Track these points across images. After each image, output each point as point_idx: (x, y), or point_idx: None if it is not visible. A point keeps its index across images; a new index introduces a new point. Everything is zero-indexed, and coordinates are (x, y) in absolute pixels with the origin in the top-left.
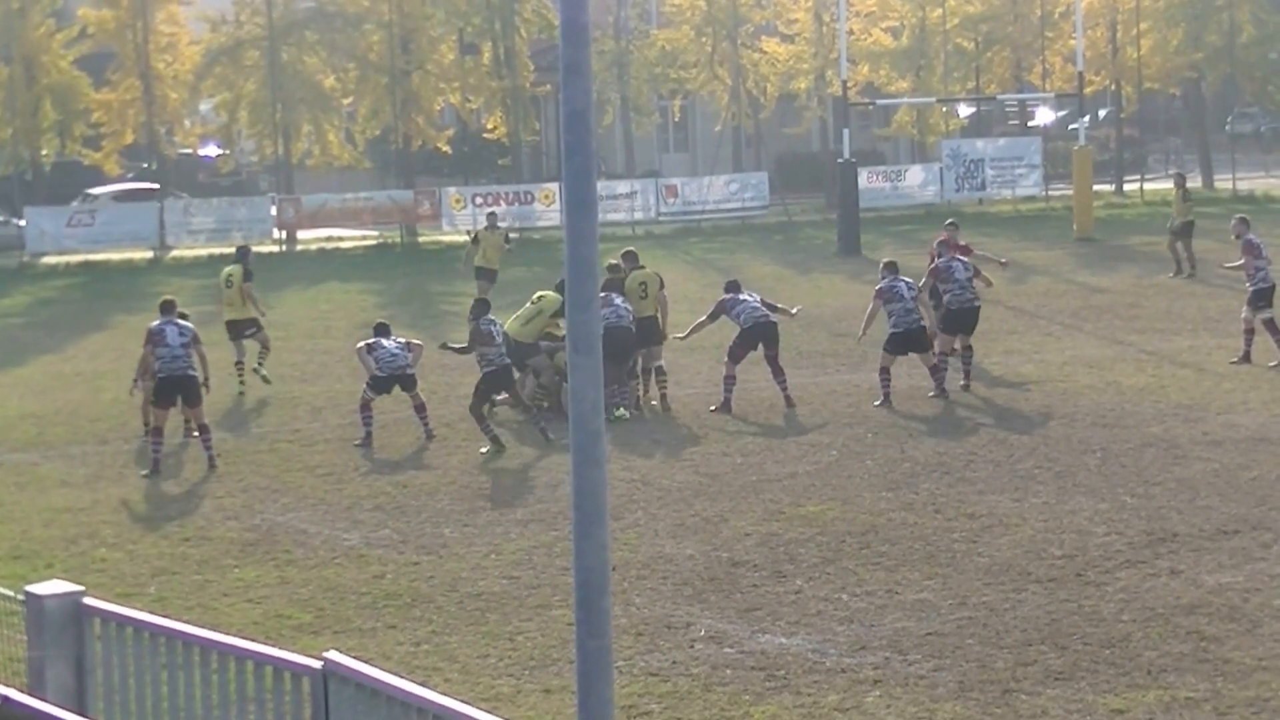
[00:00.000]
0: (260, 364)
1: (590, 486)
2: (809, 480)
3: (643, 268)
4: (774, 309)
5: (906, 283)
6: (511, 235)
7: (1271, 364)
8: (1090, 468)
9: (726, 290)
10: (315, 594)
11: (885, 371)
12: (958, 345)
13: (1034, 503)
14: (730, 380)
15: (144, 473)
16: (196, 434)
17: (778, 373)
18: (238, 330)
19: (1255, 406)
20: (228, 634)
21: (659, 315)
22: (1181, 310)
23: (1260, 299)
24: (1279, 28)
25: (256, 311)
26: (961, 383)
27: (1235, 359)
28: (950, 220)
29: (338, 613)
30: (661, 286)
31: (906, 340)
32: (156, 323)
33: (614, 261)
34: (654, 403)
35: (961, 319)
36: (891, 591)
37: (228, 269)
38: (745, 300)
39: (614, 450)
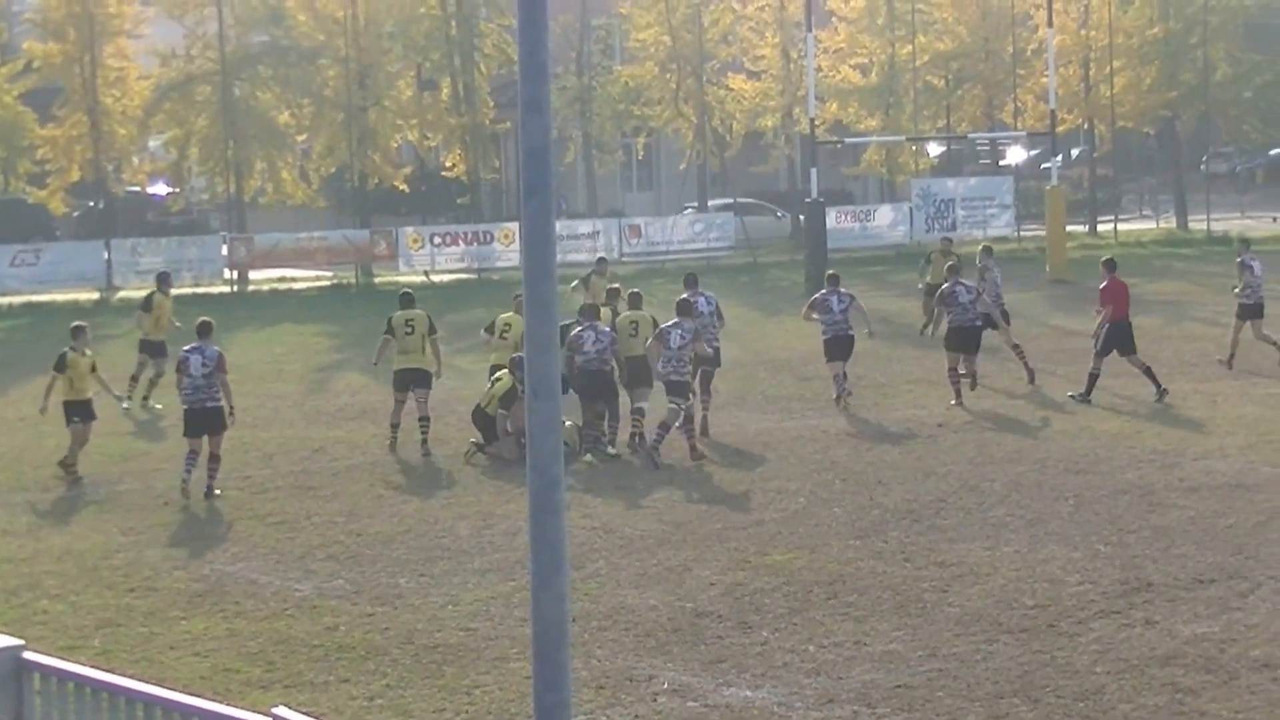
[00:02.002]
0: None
1: (548, 535)
2: (775, 528)
3: (639, 308)
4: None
5: (839, 294)
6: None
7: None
8: (1063, 515)
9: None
10: (266, 647)
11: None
12: (961, 369)
13: (1006, 551)
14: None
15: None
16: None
17: (705, 394)
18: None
19: (1232, 453)
20: (174, 689)
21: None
22: (1157, 354)
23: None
24: (1254, 66)
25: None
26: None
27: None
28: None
29: (289, 666)
30: (655, 328)
31: (837, 345)
32: (185, 349)
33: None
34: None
35: (965, 337)
36: (860, 643)
37: (152, 293)
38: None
39: (575, 497)
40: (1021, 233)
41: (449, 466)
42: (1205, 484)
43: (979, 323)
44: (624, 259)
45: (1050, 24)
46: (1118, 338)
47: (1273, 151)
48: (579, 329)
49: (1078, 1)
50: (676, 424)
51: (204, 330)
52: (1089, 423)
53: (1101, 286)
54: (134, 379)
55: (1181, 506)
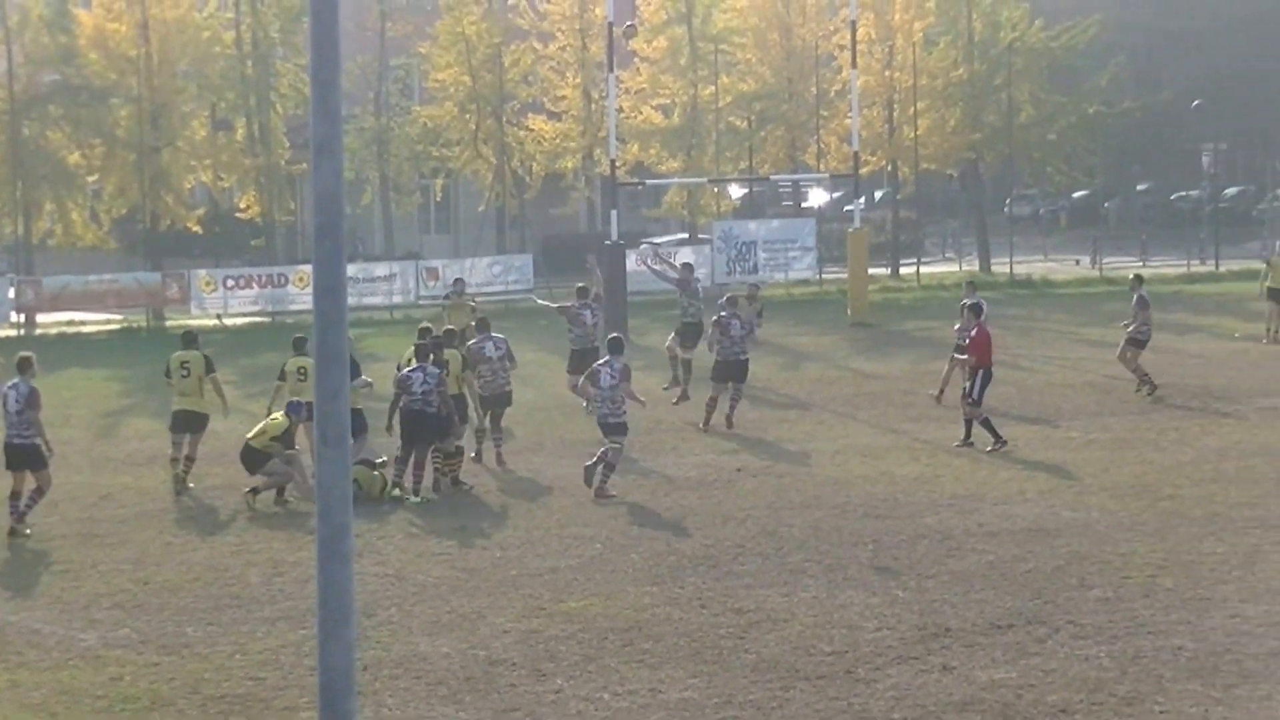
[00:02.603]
0: None
1: (336, 583)
2: (571, 575)
3: (455, 347)
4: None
5: (732, 318)
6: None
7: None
8: (862, 560)
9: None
10: (48, 698)
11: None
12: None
13: (803, 597)
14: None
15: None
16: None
17: (497, 431)
18: None
19: (1032, 496)
20: None
21: (464, 394)
22: (957, 397)
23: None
24: (1058, 108)
25: None
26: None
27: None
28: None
29: (72, 718)
30: (464, 368)
31: (728, 369)
32: (5, 385)
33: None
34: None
35: (731, 369)
36: (655, 690)
37: None
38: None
39: (368, 544)
40: (824, 275)
41: (240, 512)
42: (1005, 529)
43: (744, 356)
44: (421, 302)
45: (854, 65)
46: (986, 383)
47: (1076, 194)
48: (407, 370)
49: (882, 43)
50: (611, 464)
51: (22, 366)
52: (889, 467)
53: (971, 335)
54: None
55: (980, 551)
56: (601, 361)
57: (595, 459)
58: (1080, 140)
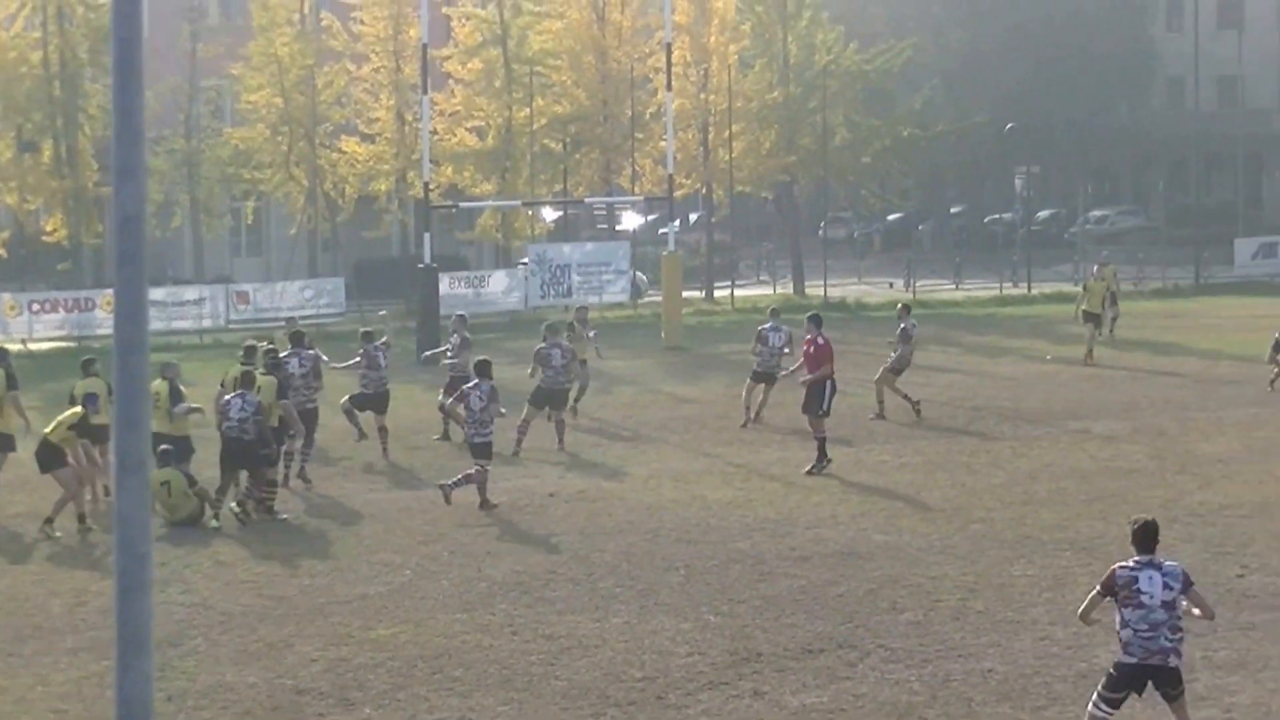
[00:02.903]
0: None
1: (135, 614)
2: (380, 602)
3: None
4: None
5: (553, 347)
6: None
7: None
8: (674, 586)
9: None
10: None
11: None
12: (550, 418)
13: (615, 623)
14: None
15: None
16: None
17: (309, 446)
18: None
19: (844, 520)
20: None
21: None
22: (771, 419)
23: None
24: (873, 131)
25: None
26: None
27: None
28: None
29: None
30: (277, 396)
31: (548, 397)
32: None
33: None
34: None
35: (551, 397)
36: (464, 718)
37: None
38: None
39: (174, 572)
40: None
41: (41, 540)
42: (816, 552)
43: (566, 384)
44: (231, 325)
45: (669, 88)
46: (824, 394)
47: (891, 217)
48: (229, 396)
49: (697, 65)
50: (475, 483)
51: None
52: (701, 492)
53: (818, 345)
54: None
55: (792, 575)
56: (471, 385)
57: (460, 477)
58: (894, 163)
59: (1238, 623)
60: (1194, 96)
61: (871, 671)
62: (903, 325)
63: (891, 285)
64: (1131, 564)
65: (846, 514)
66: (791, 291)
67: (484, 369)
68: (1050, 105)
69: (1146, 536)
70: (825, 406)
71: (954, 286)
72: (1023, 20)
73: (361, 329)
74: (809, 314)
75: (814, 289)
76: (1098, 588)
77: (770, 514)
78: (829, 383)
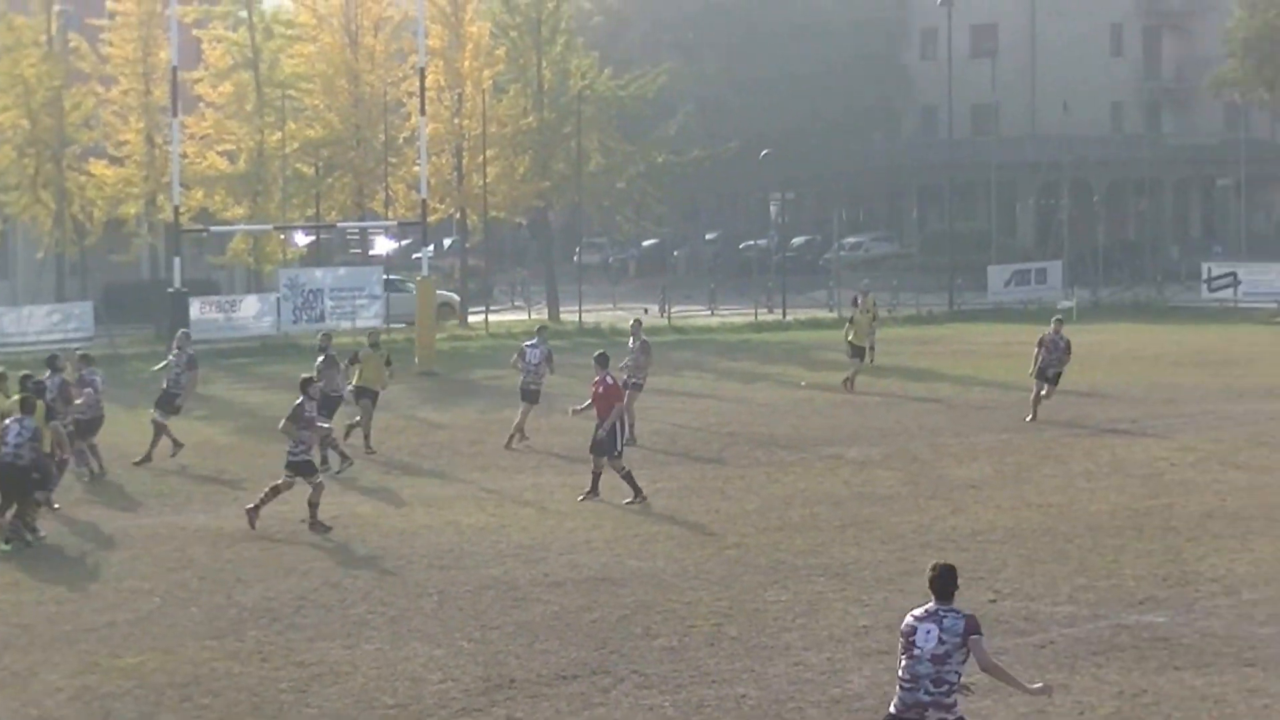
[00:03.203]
0: None
1: None
2: (128, 629)
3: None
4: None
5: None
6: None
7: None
8: (426, 612)
9: None
10: None
11: None
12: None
13: (367, 649)
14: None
15: None
16: None
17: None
18: None
19: (598, 546)
20: None
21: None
22: (523, 447)
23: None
24: (627, 156)
25: None
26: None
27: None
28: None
29: None
30: (49, 418)
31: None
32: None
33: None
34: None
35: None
36: None
37: None
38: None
39: None
40: (392, 324)
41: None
42: (570, 578)
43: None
44: None
45: (423, 112)
46: (615, 438)
47: (646, 243)
48: (9, 420)
49: (451, 90)
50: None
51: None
52: (455, 517)
53: (607, 385)
54: None
55: (546, 601)
56: (297, 402)
57: (265, 495)
58: (649, 189)
59: (990, 648)
60: (948, 124)
61: (625, 698)
62: (640, 340)
63: (647, 311)
64: (920, 613)
65: (601, 539)
66: (546, 317)
67: (305, 385)
68: (805, 132)
69: (941, 583)
70: (618, 449)
71: (709, 313)
72: (778, 48)
73: (78, 352)
74: (596, 354)
75: (569, 314)
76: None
77: (524, 540)
78: (617, 422)
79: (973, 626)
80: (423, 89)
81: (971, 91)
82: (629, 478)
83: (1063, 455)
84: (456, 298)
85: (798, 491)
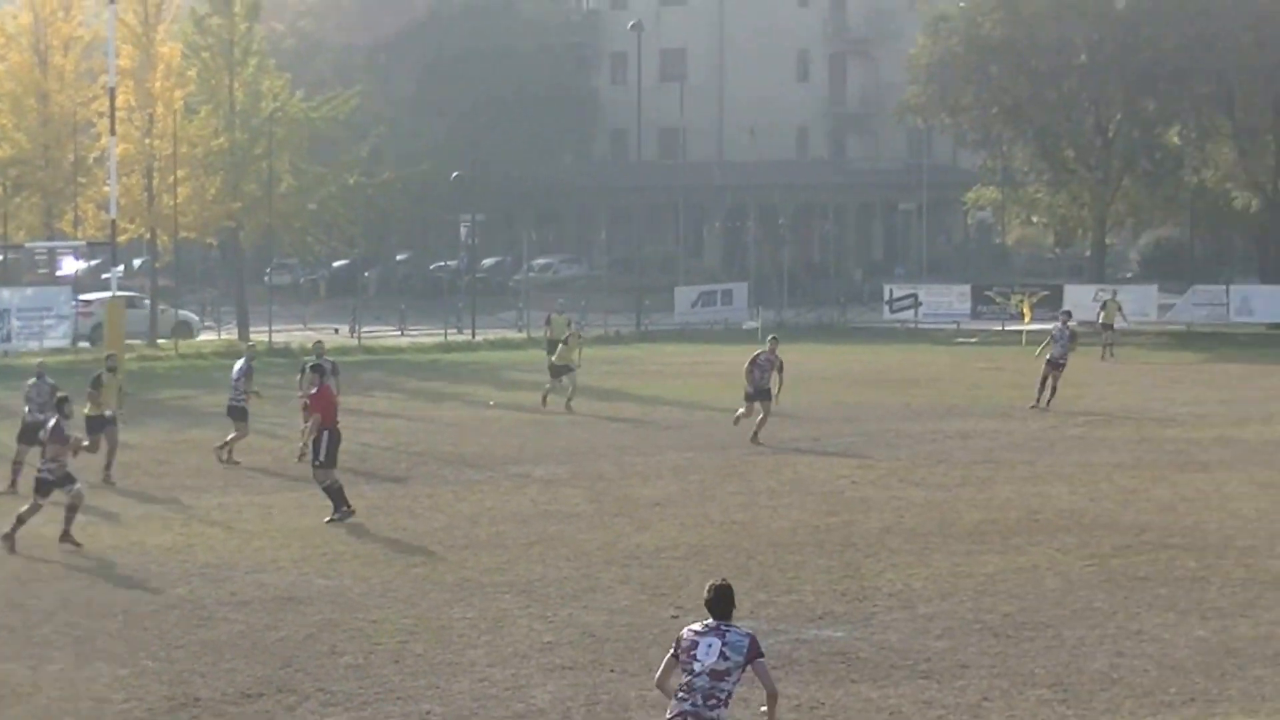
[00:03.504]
0: None
1: None
2: None
3: None
4: None
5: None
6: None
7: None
8: (112, 631)
9: None
10: None
11: None
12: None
13: (50, 670)
14: None
15: None
16: None
17: None
18: None
19: (285, 565)
20: None
21: None
22: (212, 467)
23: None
24: (319, 178)
25: None
26: None
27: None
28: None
29: None
30: None
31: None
32: None
33: None
34: None
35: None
36: None
37: None
38: None
39: None
40: (80, 345)
41: None
42: (257, 597)
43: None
44: None
45: (113, 132)
46: (336, 444)
47: (336, 264)
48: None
49: (142, 110)
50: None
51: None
52: (141, 537)
53: (312, 393)
54: None
55: (231, 620)
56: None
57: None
58: (340, 210)
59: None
60: (636, 148)
61: (310, 715)
62: (326, 362)
63: (337, 331)
64: (700, 628)
65: (288, 559)
66: (236, 338)
67: (61, 405)
68: (496, 154)
69: (718, 602)
70: (322, 456)
71: (399, 333)
72: (470, 72)
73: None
74: (311, 364)
75: (259, 334)
76: (670, 652)
77: (210, 559)
78: (328, 432)
79: (756, 649)
80: (113, 109)
81: (661, 115)
82: (331, 490)
83: (746, 473)
84: (195, 317)
85: (484, 510)
